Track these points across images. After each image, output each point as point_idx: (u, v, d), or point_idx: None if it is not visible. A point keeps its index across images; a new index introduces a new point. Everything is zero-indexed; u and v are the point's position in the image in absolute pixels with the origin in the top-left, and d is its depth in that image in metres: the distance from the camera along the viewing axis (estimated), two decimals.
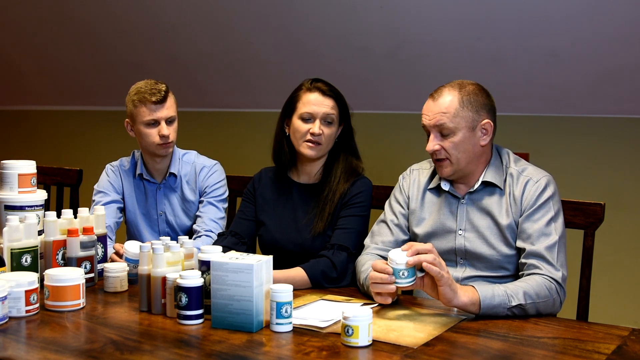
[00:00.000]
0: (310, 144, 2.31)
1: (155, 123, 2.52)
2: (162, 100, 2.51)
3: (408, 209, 2.19)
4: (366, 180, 2.37)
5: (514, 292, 1.86)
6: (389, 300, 1.89)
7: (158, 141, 2.53)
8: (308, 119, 2.30)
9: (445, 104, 2.02)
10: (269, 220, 2.40)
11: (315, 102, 2.30)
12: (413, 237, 2.18)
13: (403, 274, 1.83)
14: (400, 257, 1.83)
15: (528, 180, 2.04)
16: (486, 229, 2.05)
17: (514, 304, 1.85)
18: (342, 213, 2.32)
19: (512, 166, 2.09)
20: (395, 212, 2.21)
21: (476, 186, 2.08)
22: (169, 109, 2.54)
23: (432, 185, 2.17)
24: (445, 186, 2.12)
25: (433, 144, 2.05)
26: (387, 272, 1.84)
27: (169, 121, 2.54)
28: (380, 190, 2.41)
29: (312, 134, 2.29)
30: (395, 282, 1.84)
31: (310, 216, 2.35)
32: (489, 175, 2.07)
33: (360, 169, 2.40)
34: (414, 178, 2.22)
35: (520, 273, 1.99)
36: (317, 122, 2.30)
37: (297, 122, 2.32)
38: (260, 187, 2.46)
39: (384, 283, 1.85)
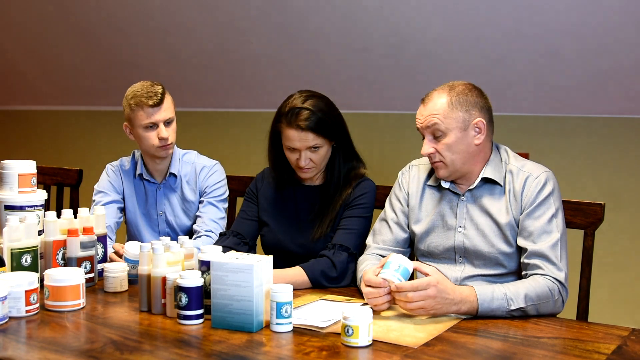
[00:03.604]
0: (303, 171, 2.31)
1: (153, 126, 2.51)
2: (159, 103, 2.49)
3: (408, 205, 2.19)
4: (370, 182, 2.37)
5: (515, 295, 1.86)
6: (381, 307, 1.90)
7: (157, 144, 2.52)
8: (294, 149, 2.28)
9: (435, 106, 2.02)
10: (272, 221, 2.40)
11: (296, 139, 2.25)
12: (412, 234, 2.18)
13: (395, 268, 1.84)
14: (399, 258, 1.87)
15: (528, 176, 2.03)
16: (486, 226, 2.05)
17: (513, 307, 1.85)
18: (345, 214, 2.31)
19: (511, 162, 2.08)
20: (395, 210, 2.21)
21: (476, 183, 2.07)
22: (167, 110, 2.52)
23: (431, 183, 2.17)
24: (445, 184, 2.12)
25: (427, 147, 2.05)
26: (382, 286, 1.85)
27: (167, 123, 2.53)
28: (380, 191, 2.41)
29: (301, 166, 2.28)
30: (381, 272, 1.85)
31: (313, 217, 2.34)
32: (488, 172, 2.06)
33: (363, 170, 2.39)
34: (414, 174, 2.21)
35: (523, 273, 1.99)
36: (302, 155, 2.27)
37: (286, 151, 2.31)
38: (263, 187, 2.45)
39: (379, 297, 1.86)
